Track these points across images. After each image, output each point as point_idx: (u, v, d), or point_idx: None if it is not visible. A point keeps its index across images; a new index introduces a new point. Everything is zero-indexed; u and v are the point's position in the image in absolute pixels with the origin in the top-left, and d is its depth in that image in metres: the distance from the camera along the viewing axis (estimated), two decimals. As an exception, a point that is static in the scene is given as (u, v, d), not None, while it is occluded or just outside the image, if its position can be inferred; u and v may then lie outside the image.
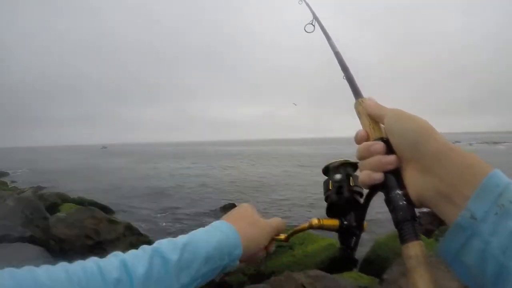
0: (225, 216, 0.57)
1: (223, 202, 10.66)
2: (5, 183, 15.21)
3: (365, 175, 0.43)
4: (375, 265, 4.07)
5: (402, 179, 0.41)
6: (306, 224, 0.55)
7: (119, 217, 7.97)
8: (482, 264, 0.30)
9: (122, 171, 22.98)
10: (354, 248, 0.51)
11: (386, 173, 0.41)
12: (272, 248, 0.60)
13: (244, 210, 0.58)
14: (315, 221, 0.53)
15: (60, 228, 5.78)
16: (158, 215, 9.73)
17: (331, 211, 0.53)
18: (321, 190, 0.56)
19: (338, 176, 0.53)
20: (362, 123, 0.49)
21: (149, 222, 8.88)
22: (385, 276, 2.88)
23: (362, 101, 0.52)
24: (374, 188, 0.44)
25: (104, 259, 0.41)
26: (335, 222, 0.52)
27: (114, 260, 0.41)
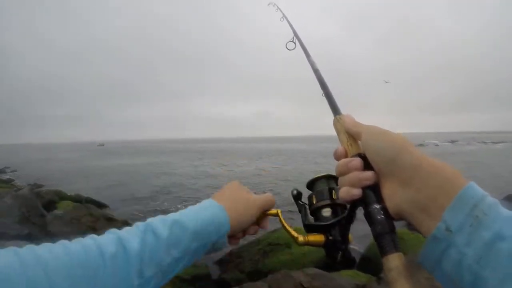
0: (214, 194, 0.59)
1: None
2: (5, 181, 15.11)
3: (344, 191, 0.44)
4: (373, 263, 4.09)
5: (380, 193, 0.42)
6: (295, 234, 0.55)
7: (116, 214, 7.95)
8: (458, 273, 0.31)
9: (119, 169, 22.93)
10: (341, 262, 0.52)
11: (365, 188, 0.42)
12: (267, 224, 0.61)
13: (232, 187, 0.60)
14: (300, 239, 0.53)
15: (58, 226, 5.77)
16: (156, 213, 9.72)
17: (313, 230, 0.54)
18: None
19: (322, 190, 0.56)
20: (340, 140, 0.51)
21: (145, 219, 8.87)
22: (382, 274, 2.89)
23: (340, 118, 0.53)
24: (354, 204, 0.45)
25: (101, 236, 0.44)
26: (320, 237, 0.52)
27: (111, 235, 0.44)
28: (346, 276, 3.31)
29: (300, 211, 0.59)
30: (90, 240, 0.42)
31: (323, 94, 0.63)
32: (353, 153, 0.47)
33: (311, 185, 0.59)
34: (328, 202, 0.54)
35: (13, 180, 16.18)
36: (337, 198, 0.53)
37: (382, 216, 0.40)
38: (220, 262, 4.96)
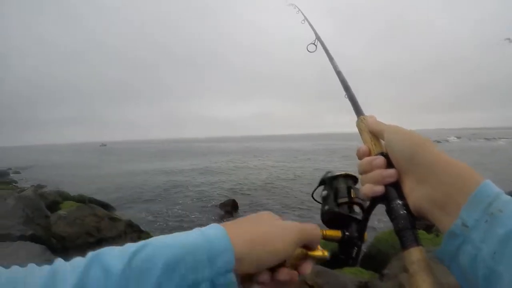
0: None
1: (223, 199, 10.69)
2: (8, 182, 15.15)
3: (367, 188, 0.45)
4: (376, 260, 4.09)
5: (402, 190, 0.43)
6: None
7: (120, 214, 7.99)
8: (474, 267, 0.33)
9: (122, 168, 23.00)
10: (356, 258, 0.52)
11: (387, 185, 0.44)
12: (308, 268, 0.41)
13: (256, 215, 0.43)
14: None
15: (61, 226, 5.80)
16: (159, 212, 9.75)
17: (332, 223, 0.53)
18: None
19: (340, 188, 0.55)
20: (363, 139, 0.53)
21: (150, 219, 8.91)
22: (385, 271, 2.89)
23: (363, 118, 0.56)
24: (375, 200, 0.47)
25: (36, 268, 0.31)
26: (337, 233, 0.52)
27: (45, 270, 0.31)
28: (349, 273, 3.32)
29: (326, 198, 0.55)
30: (18, 272, 0.30)
31: (346, 96, 0.65)
32: (377, 151, 0.49)
33: (325, 182, 0.58)
34: (346, 200, 0.54)
35: (16, 182, 16.25)
36: (356, 197, 0.53)
37: (405, 211, 0.41)
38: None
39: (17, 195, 6.98)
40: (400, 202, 0.42)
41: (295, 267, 0.41)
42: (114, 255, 0.33)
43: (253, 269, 0.36)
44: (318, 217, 0.56)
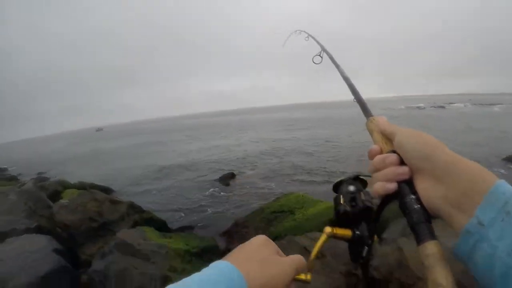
0: (231, 254, 0.44)
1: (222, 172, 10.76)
2: (9, 179, 15.13)
3: (379, 185, 0.46)
4: (377, 227, 4.19)
5: (414, 187, 0.44)
6: (323, 237, 0.51)
7: (120, 197, 8.08)
8: (490, 265, 0.33)
9: (118, 152, 22.96)
10: (366, 258, 0.51)
11: (400, 182, 0.45)
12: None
13: (256, 246, 0.44)
14: (328, 230, 0.52)
15: (64, 215, 5.88)
16: (160, 191, 9.88)
17: (342, 222, 0.53)
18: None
19: (351, 188, 0.56)
20: (374, 139, 0.54)
21: (151, 199, 9.04)
22: (384, 235, 2.96)
23: (373, 119, 0.57)
24: (387, 198, 0.47)
25: None
26: (347, 232, 0.52)
27: None
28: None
29: (336, 200, 0.56)
30: None
31: (355, 100, 0.68)
32: (388, 150, 0.49)
33: (337, 186, 0.59)
34: (355, 203, 0.54)
35: (16, 177, 16.11)
36: (366, 199, 0.54)
37: (419, 206, 0.42)
38: (227, 233, 5.11)
39: (17, 190, 7.02)
40: (413, 196, 0.43)
41: None
42: None
43: None
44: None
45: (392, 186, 0.45)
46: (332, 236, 0.51)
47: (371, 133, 0.56)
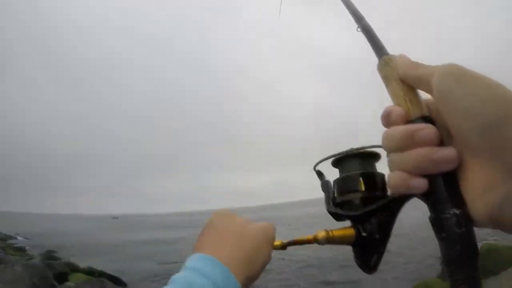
0: (201, 240, 0.40)
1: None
2: (17, 249, 14.76)
3: (399, 179, 0.28)
4: None
5: (459, 187, 0.27)
6: (310, 236, 0.41)
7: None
8: None
9: (136, 245, 21.90)
10: (374, 267, 0.37)
11: (433, 177, 0.27)
12: (270, 258, 0.43)
13: (221, 222, 0.42)
14: (322, 234, 0.40)
15: (69, 301, 5.19)
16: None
17: (342, 216, 0.40)
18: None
19: (355, 170, 0.40)
20: (391, 93, 0.32)
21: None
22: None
23: (389, 59, 0.34)
24: (408, 196, 0.33)
25: None
26: (350, 232, 0.38)
27: None
28: None
29: (323, 189, 0.45)
30: None
31: (358, 28, 0.43)
32: (416, 115, 0.29)
33: (338, 162, 0.42)
34: (360, 195, 0.39)
35: (24, 248, 15.83)
36: (380, 187, 0.39)
37: (463, 229, 0.26)
38: None
39: (24, 263, 6.92)
40: (457, 211, 0.26)
41: None
42: None
43: (249, 284, 0.38)
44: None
45: (420, 184, 0.27)
46: (329, 242, 0.39)
47: (386, 81, 0.34)
